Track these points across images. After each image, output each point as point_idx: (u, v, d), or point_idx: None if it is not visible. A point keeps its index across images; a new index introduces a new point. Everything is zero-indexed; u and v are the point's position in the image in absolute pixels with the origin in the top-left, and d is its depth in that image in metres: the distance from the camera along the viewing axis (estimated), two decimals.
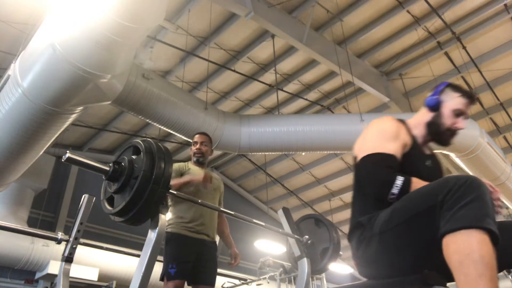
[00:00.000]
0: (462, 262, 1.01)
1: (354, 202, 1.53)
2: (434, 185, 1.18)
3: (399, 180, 1.30)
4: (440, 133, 1.57)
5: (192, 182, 2.61)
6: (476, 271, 0.98)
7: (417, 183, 1.30)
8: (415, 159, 1.50)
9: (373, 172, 1.37)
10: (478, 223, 1.04)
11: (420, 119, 1.62)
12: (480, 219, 1.04)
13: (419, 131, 1.59)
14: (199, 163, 2.88)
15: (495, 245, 1.05)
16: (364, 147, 1.47)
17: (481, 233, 1.03)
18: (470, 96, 1.58)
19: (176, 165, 2.76)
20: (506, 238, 1.19)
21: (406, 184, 1.29)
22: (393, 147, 1.43)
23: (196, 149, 2.87)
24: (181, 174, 2.76)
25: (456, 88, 1.60)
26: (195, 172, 2.80)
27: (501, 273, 1.44)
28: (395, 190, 1.29)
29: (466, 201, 1.06)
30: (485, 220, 1.05)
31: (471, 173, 6.57)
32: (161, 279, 2.52)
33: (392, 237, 1.25)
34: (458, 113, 1.56)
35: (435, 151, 1.70)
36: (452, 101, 1.57)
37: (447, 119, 1.56)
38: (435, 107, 1.57)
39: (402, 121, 1.59)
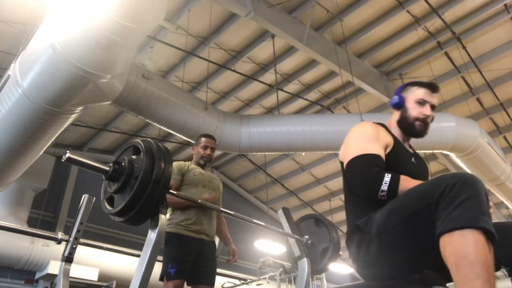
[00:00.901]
0: (459, 264, 1.01)
1: (347, 206, 1.56)
2: (429, 183, 1.18)
3: (387, 177, 1.33)
4: (410, 125, 1.62)
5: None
6: (473, 273, 0.98)
7: (405, 180, 1.33)
8: (399, 157, 1.55)
9: (361, 173, 1.40)
10: (472, 222, 1.03)
11: (392, 120, 1.69)
12: (474, 218, 1.04)
13: (396, 131, 1.66)
14: (202, 166, 2.90)
15: (492, 242, 1.05)
16: (348, 151, 1.51)
17: (476, 233, 1.02)
18: (428, 85, 1.64)
19: (176, 164, 2.77)
20: (503, 235, 1.19)
21: (395, 180, 1.32)
22: (376, 147, 1.47)
23: (207, 154, 2.88)
24: (182, 174, 2.76)
25: (414, 83, 1.67)
26: (197, 170, 2.83)
27: (501, 273, 1.44)
28: (384, 187, 1.32)
29: (460, 200, 1.06)
30: (480, 219, 1.04)
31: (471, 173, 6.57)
32: (161, 279, 2.52)
33: (390, 238, 1.25)
34: (421, 102, 1.61)
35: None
36: (412, 94, 1.63)
37: (412, 110, 1.61)
38: (399, 104, 1.65)
39: (381, 124, 1.65)
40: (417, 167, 1.59)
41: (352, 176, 1.47)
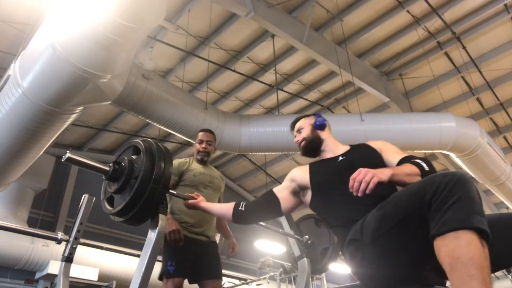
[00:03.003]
0: (453, 265, 1.01)
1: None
2: (420, 184, 1.17)
3: None
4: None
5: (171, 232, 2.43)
6: (467, 274, 0.98)
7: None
8: (320, 173, 1.75)
9: None
10: (465, 223, 1.03)
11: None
12: (467, 218, 1.03)
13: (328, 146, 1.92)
14: (203, 162, 2.84)
15: (487, 241, 1.04)
16: None
17: (469, 234, 1.02)
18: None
19: (176, 162, 2.71)
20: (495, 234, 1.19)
21: None
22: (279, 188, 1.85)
23: (202, 148, 2.82)
24: (180, 173, 2.71)
25: None
26: (197, 170, 2.76)
27: (501, 273, 1.45)
28: None
29: (452, 201, 1.06)
30: (473, 218, 1.03)
31: (471, 173, 6.56)
32: (160, 278, 2.49)
33: (385, 243, 1.25)
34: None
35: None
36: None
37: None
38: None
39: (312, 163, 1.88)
40: (345, 163, 1.72)
41: None
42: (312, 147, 1.91)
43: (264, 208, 1.84)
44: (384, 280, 1.31)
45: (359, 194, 1.26)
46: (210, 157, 2.90)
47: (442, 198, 1.07)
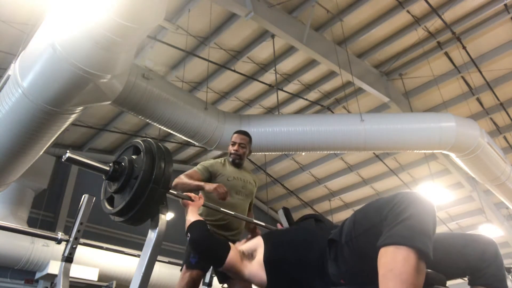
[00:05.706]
0: (384, 276, 1.08)
1: None
2: (385, 199, 1.24)
3: None
4: None
5: (209, 191, 2.40)
6: (394, 286, 1.05)
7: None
8: None
9: None
10: (407, 241, 1.08)
11: None
12: (411, 237, 1.09)
13: None
14: (236, 165, 2.72)
15: (426, 262, 1.10)
16: None
17: (408, 251, 1.07)
18: None
19: (208, 163, 2.63)
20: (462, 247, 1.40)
21: None
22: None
23: (234, 150, 2.71)
24: (211, 173, 2.60)
25: None
26: (231, 174, 2.64)
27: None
28: None
29: (402, 218, 1.12)
30: (416, 238, 1.09)
31: (471, 173, 6.56)
32: (181, 269, 2.41)
33: (357, 245, 1.30)
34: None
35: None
36: None
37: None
38: None
39: None
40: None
41: None
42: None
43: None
44: (361, 279, 1.33)
45: None
46: (243, 160, 2.77)
47: (395, 213, 1.14)
